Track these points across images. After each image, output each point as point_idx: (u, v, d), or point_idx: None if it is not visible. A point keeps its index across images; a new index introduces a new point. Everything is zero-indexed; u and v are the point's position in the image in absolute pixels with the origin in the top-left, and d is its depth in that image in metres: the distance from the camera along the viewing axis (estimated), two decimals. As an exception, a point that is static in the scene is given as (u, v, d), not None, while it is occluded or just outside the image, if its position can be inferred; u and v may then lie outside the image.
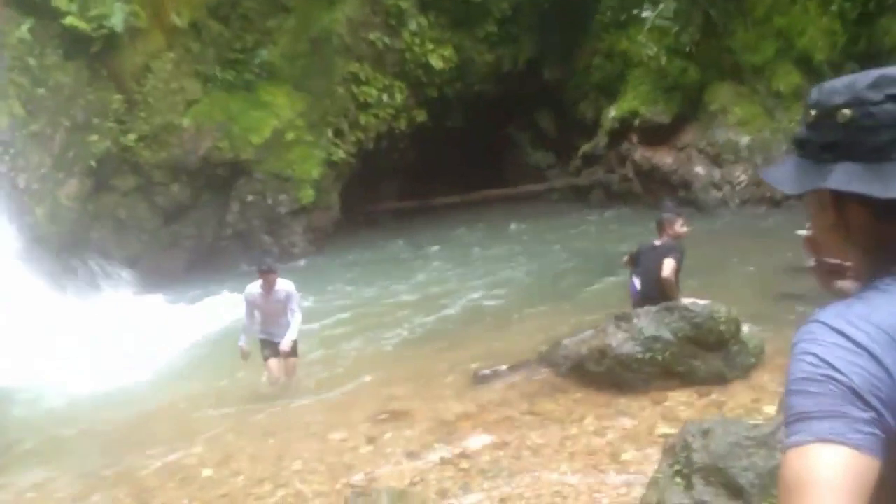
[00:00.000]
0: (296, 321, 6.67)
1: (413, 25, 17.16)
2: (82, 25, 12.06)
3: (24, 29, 11.80)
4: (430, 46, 17.45)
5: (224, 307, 10.90)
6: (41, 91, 11.97)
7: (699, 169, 14.20)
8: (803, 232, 1.30)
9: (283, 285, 6.65)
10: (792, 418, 0.93)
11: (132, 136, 13.21)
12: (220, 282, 13.06)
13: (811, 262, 1.31)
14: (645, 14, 14.26)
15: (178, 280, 13.17)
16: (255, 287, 6.69)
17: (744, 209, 13.29)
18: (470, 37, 17.98)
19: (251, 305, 6.77)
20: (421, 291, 10.76)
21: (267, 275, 6.53)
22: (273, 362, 6.73)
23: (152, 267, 13.40)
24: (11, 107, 11.65)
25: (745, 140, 13.75)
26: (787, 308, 7.49)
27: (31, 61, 11.88)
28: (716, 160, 14.04)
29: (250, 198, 14.67)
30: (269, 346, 6.75)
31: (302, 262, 14.14)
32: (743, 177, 13.58)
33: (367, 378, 6.84)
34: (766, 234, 11.73)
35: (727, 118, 14.11)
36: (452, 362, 7.08)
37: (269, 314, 6.73)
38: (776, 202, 13.25)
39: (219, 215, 14.67)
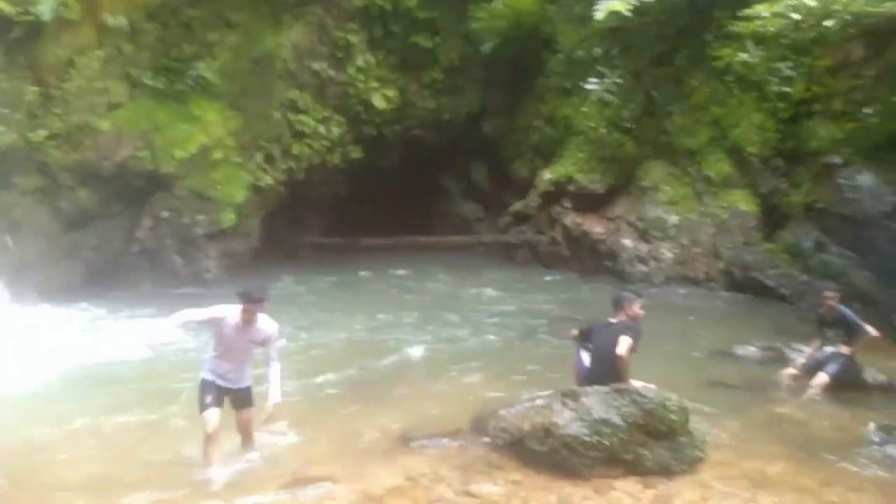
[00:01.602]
0: (276, 374, 5.53)
1: (360, 61, 16.90)
2: (6, 8, 11.13)
3: (-65, 0, 10.72)
4: (375, 84, 17.21)
5: (116, 329, 9.99)
6: (-55, 70, 10.84)
7: (627, 241, 14.37)
8: None
9: (266, 324, 5.48)
10: None
11: (43, 133, 12.13)
12: (119, 300, 12.01)
13: None
14: (590, 86, 14.46)
15: (71, 293, 12.01)
16: (232, 313, 5.37)
17: (667, 286, 13.46)
18: (415, 81, 17.87)
19: (217, 328, 5.43)
20: (341, 337, 10.15)
21: (256, 304, 5.28)
22: (214, 413, 5.37)
23: (44, 276, 12.18)
24: None
25: (673, 219, 14.03)
26: (719, 397, 7.41)
27: (-61, 36, 10.77)
28: (644, 235, 14.25)
29: (165, 214, 13.71)
30: (214, 392, 5.44)
31: (187, 291, 12.82)
32: (668, 255, 13.82)
33: (282, 434, 6.17)
34: (688, 313, 11.86)
35: (658, 196, 14.39)
36: (377, 422, 6.54)
37: (233, 351, 5.46)
38: (697, 283, 13.55)
39: (127, 229, 13.61)
